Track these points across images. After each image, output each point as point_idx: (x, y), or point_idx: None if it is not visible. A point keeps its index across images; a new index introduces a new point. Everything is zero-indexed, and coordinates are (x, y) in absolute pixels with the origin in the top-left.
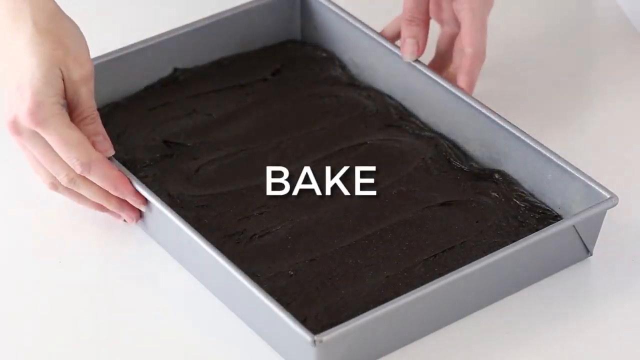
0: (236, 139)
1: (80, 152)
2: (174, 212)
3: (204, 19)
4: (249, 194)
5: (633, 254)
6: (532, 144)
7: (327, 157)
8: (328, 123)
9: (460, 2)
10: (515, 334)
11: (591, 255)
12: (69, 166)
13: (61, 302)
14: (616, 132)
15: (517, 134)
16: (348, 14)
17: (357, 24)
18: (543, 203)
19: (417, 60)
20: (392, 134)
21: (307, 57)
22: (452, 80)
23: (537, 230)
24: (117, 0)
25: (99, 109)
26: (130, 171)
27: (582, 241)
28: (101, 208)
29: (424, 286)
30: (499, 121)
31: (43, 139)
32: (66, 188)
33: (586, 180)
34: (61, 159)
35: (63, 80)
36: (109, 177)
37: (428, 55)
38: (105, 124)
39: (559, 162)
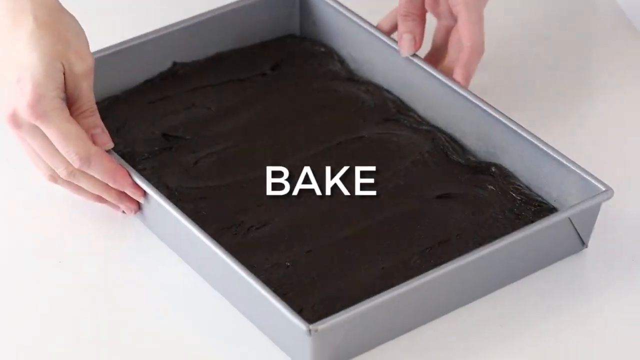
0: (235, 133)
1: (79, 147)
2: (171, 204)
3: (203, 14)
4: (247, 186)
5: (629, 247)
6: (528, 137)
7: (326, 151)
8: (326, 117)
9: None
10: (509, 325)
11: (586, 247)
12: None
13: (61, 299)
14: (614, 126)
15: (514, 127)
16: (347, 9)
17: (356, 19)
18: (539, 196)
19: (414, 55)
20: (390, 127)
21: (306, 52)
22: (448, 74)
23: (533, 222)
24: None
25: (98, 103)
26: (129, 164)
27: (578, 233)
28: (100, 199)
29: (418, 277)
30: (495, 115)
31: (43, 132)
32: (65, 180)
33: (582, 173)
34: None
35: (64, 74)
36: (108, 170)
37: (426, 49)
38: (104, 118)
39: (555, 155)
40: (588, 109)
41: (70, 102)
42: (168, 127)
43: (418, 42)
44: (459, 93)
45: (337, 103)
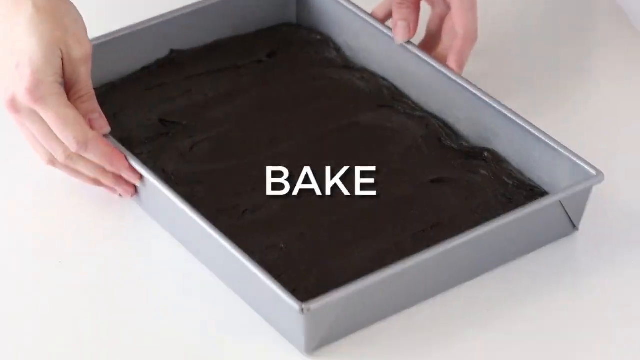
0: (231, 119)
1: (77, 131)
2: (167, 187)
3: (201, 2)
4: (242, 170)
5: (619, 231)
6: (520, 122)
7: (321, 137)
8: (322, 104)
9: None
10: (500, 307)
11: (578, 230)
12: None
13: (61, 296)
14: (607, 114)
15: (505, 112)
16: None
17: (352, 8)
18: (531, 180)
19: (409, 42)
20: (384, 114)
21: (302, 40)
22: (442, 61)
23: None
24: None
25: (96, 89)
26: (127, 149)
27: (569, 216)
28: (97, 183)
29: (410, 257)
30: (488, 100)
31: (41, 117)
32: (63, 164)
33: (573, 158)
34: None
35: (62, 59)
36: (105, 154)
37: (420, 37)
38: (102, 104)
39: (546, 140)
40: (582, 97)
41: (68, 87)
42: (165, 113)
43: (412, 29)
44: (452, 79)
45: (332, 90)
